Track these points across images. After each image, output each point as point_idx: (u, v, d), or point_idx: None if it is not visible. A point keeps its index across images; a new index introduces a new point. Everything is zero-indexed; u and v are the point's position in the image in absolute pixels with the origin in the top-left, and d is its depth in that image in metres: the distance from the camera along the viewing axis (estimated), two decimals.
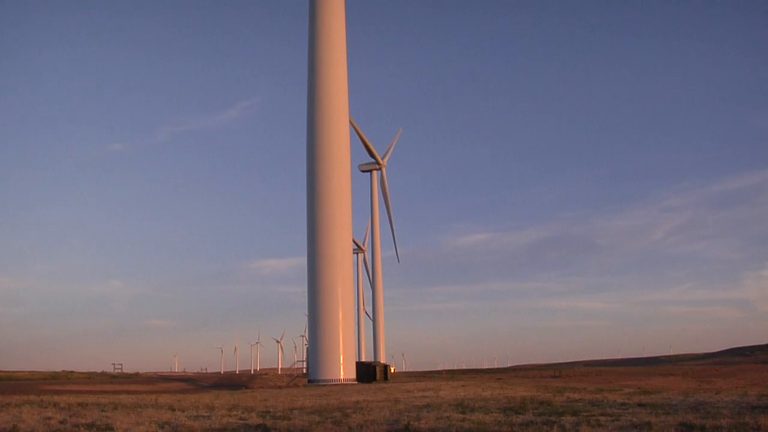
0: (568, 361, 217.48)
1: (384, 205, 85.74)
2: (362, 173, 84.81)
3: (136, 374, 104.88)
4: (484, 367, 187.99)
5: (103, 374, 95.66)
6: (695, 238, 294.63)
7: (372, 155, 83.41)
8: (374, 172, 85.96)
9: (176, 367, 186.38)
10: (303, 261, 25.63)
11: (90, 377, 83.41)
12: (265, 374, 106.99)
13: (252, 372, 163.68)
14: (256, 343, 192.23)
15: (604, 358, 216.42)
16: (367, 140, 79.92)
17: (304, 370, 64.77)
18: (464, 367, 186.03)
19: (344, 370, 36.63)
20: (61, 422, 12.34)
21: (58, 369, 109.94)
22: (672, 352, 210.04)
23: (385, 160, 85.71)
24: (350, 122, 25.08)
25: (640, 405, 14.72)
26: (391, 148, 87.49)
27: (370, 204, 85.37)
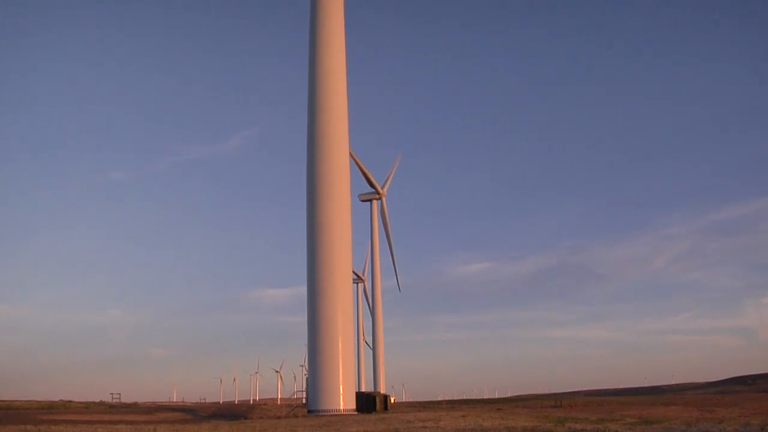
0: (569, 390, 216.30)
1: (384, 235, 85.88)
2: (362, 203, 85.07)
3: (135, 404, 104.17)
4: (485, 397, 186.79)
5: (102, 404, 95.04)
6: (696, 266, 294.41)
7: (372, 185, 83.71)
8: (374, 202, 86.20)
9: (175, 397, 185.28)
10: (303, 290, 25.67)
11: (88, 407, 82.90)
12: (265, 404, 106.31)
13: (251, 402, 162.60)
14: (256, 373, 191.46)
15: (605, 387, 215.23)
16: (367, 171, 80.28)
17: (304, 400, 64.52)
18: (465, 397, 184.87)
19: (344, 400, 36.46)
20: None
21: (56, 398, 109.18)
22: (674, 381, 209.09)
23: (385, 189, 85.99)
24: (350, 154, 25.30)
25: None
26: (391, 176, 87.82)
27: (370, 233, 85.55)
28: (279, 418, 40.55)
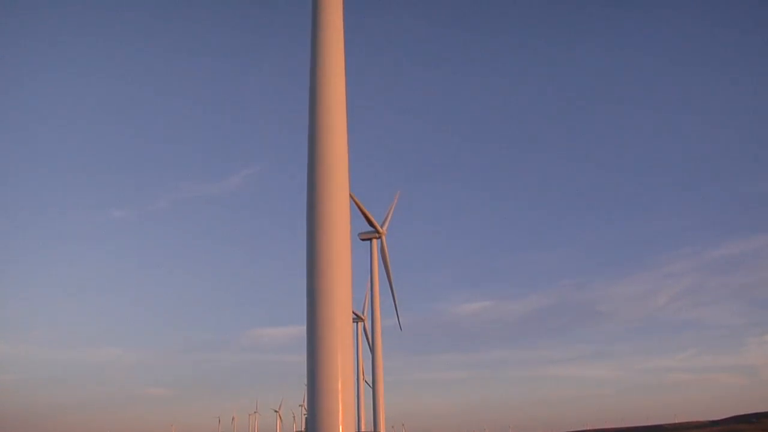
0: (571, 429, 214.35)
1: (384, 273, 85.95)
2: (362, 242, 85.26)
3: None
4: None
5: None
6: (698, 303, 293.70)
7: (371, 224, 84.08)
8: (374, 241, 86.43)
9: None
10: (302, 330, 25.70)
11: None
12: None
13: None
14: (255, 412, 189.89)
15: (607, 426, 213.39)
16: (366, 212, 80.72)
17: None
18: None
19: None
20: None
21: None
22: (676, 420, 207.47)
23: (385, 227, 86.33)
24: (350, 196, 25.43)
25: None
26: (390, 214, 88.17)
27: (369, 273, 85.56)
28: None
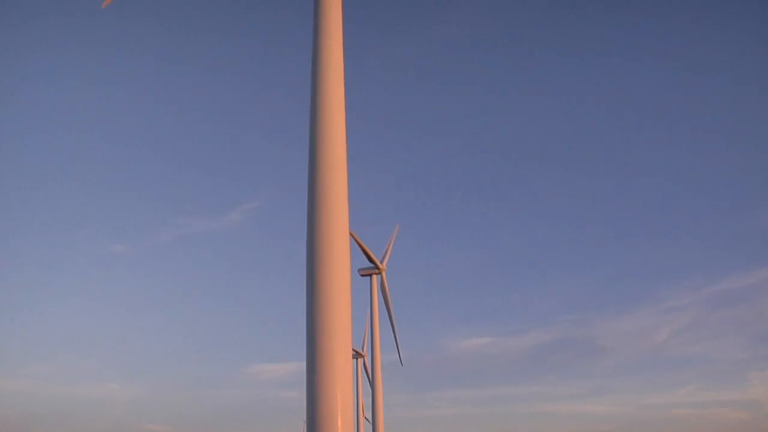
0: None
1: (384, 309, 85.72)
2: (362, 277, 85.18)
3: None
4: None
5: None
6: (700, 338, 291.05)
7: (371, 261, 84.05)
8: (374, 277, 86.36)
9: None
10: (301, 366, 25.61)
11: None
12: None
13: None
14: None
15: None
16: (366, 248, 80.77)
17: None
18: None
19: None
20: None
21: None
22: None
23: (384, 263, 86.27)
24: (350, 234, 25.52)
25: None
26: (389, 248, 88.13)
27: (369, 308, 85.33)
28: None
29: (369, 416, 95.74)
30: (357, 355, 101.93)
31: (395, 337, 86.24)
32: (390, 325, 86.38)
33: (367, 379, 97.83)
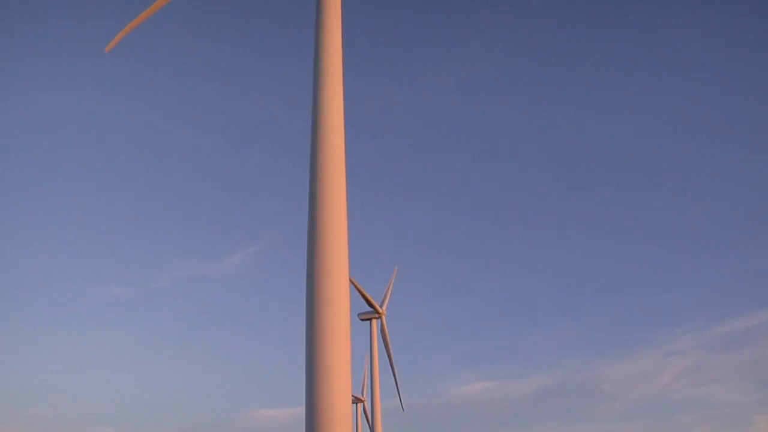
0: None
1: (384, 354, 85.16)
2: (361, 322, 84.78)
3: None
4: None
5: None
6: (703, 381, 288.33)
7: (371, 305, 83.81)
8: (373, 321, 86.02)
9: None
10: (301, 411, 25.42)
11: None
12: None
13: None
14: None
15: None
16: (366, 294, 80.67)
17: None
18: None
19: None
20: None
21: None
22: None
23: (384, 307, 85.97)
24: (350, 280, 25.57)
25: None
26: (389, 291, 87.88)
27: (369, 353, 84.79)
28: None
29: None
30: (356, 400, 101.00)
31: (396, 381, 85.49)
32: (390, 369, 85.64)
33: (366, 424, 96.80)
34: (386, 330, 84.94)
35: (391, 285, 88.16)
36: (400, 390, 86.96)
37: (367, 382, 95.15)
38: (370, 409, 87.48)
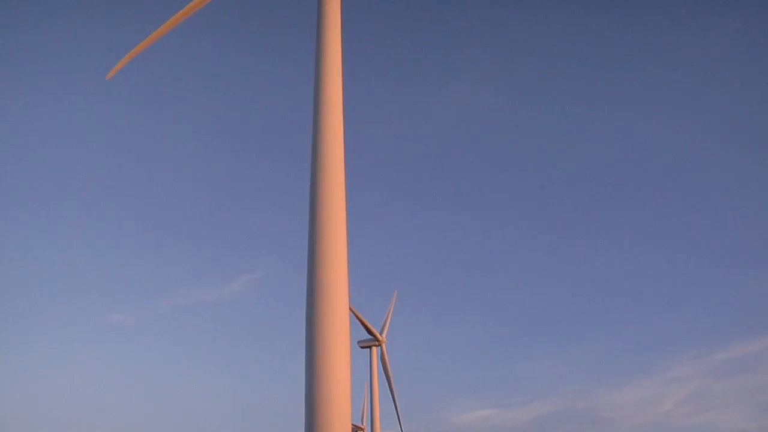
0: None
1: (384, 381, 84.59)
2: (361, 349, 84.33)
3: None
4: None
5: None
6: (704, 408, 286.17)
7: (371, 333, 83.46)
8: (373, 348, 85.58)
9: None
10: None
11: None
12: None
13: None
14: None
15: None
16: (366, 322, 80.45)
17: None
18: None
19: None
20: None
21: None
22: None
23: (384, 335, 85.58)
24: (350, 309, 25.49)
25: None
26: (389, 318, 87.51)
27: (369, 381, 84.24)
28: None
29: None
30: (356, 429, 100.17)
31: (396, 408, 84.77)
32: (391, 396, 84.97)
33: None
34: (386, 357, 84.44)
35: (391, 311, 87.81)
36: (400, 418, 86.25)
37: (367, 410, 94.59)
38: None
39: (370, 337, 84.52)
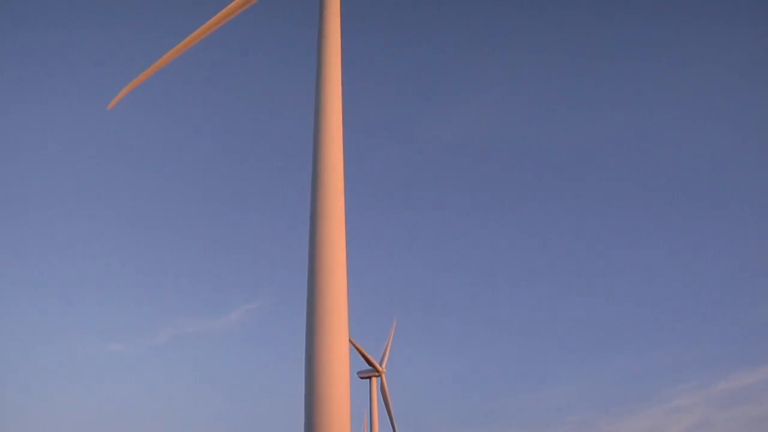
0: None
1: (385, 412, 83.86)
2: (361, 380, 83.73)
3: None
4: None
5: None
6: None
7: (370, 364, 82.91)
8: (373, 379, 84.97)
9: None
10: None
11: None
12: None
13: None
14: None
15: None
16: (366, 353, 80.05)
17: None
18: None
19: None
20: None
21: None
22: None
23: (384, 365, 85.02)
24: (350, 341, 25.31)
25: None
26: (388, 347, 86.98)
27: (368, 412, 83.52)
28: None
29: None
30: None
31: None
32: (391, 427, 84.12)
33: None
34: (386, 388, 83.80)
35: (391, 340, 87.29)
36: None
37: None
38: None
39: (369, 368, 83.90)
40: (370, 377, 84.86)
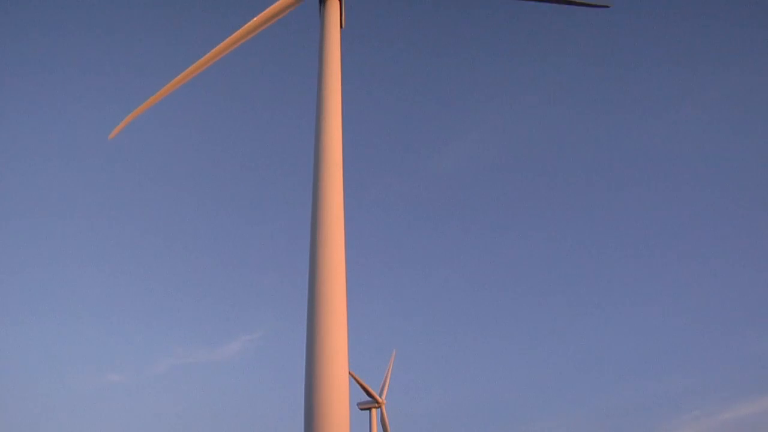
0: None
1: None
2: (361, 411, 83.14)
3: None
4: None
5: None
6: None
7: (370, 395, 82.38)
8: (373, 410, 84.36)
9: None
10: None
11: None
12: None
13: None
14: None
15: None
16: (365, 385, 79.63)
17: None
18: None
19: None
20: None
21: None
22: None
23: (383, 396, 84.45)
24: (350, 373, 25.20)
25: None
26: (388, 378, 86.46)
27: None
28: None
29: None
30: None
31: None
32: None
33: None
34: (386, 419, 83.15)
35: (390, 371, 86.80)
36: None
37: None
38: None
39: (369, 399, 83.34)
40: (369, 408, 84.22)
